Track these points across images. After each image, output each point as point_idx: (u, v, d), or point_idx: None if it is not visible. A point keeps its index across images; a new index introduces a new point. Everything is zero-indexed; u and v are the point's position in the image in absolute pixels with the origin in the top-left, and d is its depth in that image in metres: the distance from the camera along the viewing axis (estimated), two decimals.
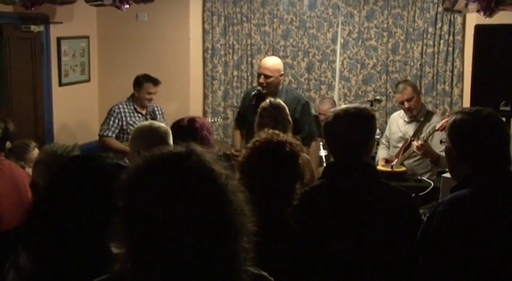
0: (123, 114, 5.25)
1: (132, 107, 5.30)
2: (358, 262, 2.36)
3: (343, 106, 2.62)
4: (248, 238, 1.33)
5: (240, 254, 1.31)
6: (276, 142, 2.27)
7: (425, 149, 4.39)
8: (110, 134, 5.18)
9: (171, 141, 3.11)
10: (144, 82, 5.24)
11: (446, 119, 3.42)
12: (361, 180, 2.43)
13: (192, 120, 3.37)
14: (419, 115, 4.74)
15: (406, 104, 4.68)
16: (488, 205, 2.16)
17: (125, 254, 1.29)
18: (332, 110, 2.60)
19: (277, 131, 2.42)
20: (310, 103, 6.33)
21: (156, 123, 3.35)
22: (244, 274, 1.33)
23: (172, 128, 3.34)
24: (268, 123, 3.45)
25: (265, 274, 1.43)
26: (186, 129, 3.30)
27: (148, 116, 5.31)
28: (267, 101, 3.73)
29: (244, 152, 2.32)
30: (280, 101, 3.76)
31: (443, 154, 4.20)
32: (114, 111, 5.27)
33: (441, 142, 3.50)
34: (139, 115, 5.28)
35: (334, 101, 6.06)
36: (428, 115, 4.74)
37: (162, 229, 1.24)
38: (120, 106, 5.29)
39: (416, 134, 4.64)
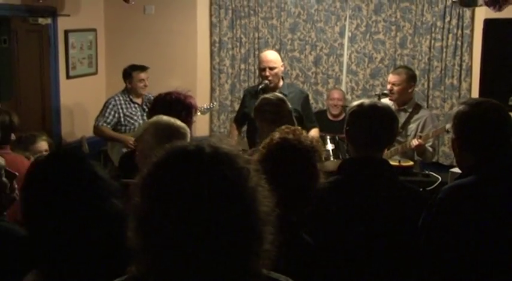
0: (119, 107, 5.29)
1: (127, 99, 5.34)
2: (370, 261, 2.32)
3: (371, 100, 2.61)
4: (269, 237, 1.27)
5: (259, 255, 1.25)
6: (295, 138, 2.19)
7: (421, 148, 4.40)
8: (106, 125, 5.23)
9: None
10: (132, 72, 5.32)
11: None
12: (378, 179, 2.40)
13: (168, 93, 3.41)
14: (407, 106, 4.72)
15: (390, 86, 4.68)
16: (487, 192, 2.17)
17: (142, 254, 1.25)
18: (359, 102, 2.54)
19: (293, 127, 2.35)
20: (317, 97, 6.35)
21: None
22: (260, 278, 1.28)
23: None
24: (273, 119, 3.44)
25: (284, 278, 1.36)
26: (160, 101, 3.37)
27: (145, 106, 5.34)
28: (268, 95, 3.74)
29: (262, 149, 2.21)
30: (282, 95, 3.78)
31: (429, 148, 4.30)
32: (110, 103, 5.31)
33: (447, 131, 3.51)
34: (136, 105, 5.34)
35: (344, 92, 6.06)
36: (417, 107, 4.72)
37: (181, 228, 1.20)
38: (116, 98, 5.33)
39: (405, 126, 4.61)
